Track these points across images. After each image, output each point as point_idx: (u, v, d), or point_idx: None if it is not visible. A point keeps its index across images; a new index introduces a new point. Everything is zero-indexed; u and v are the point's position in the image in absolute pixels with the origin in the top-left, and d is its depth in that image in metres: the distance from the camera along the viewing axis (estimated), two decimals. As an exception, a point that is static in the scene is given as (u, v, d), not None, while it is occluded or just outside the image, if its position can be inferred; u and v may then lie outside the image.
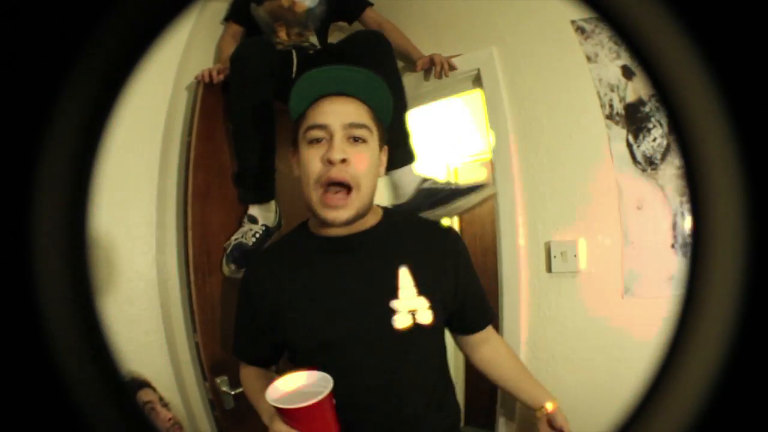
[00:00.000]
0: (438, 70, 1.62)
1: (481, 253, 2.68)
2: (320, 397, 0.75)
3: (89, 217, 0.31)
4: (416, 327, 0.91)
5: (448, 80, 1.70)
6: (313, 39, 1.62)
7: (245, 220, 1.45)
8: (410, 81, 1.73)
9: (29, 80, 0.27)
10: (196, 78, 1.51)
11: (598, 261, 1.40)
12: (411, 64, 1.70)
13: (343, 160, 0.88)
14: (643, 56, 0.30)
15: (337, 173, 0.88)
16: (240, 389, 1.37)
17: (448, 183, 1.39)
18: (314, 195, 0.91)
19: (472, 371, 2.85)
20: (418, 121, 2.97)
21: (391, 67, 1.42)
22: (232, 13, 1.68)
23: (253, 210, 1.45)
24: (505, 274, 1.50)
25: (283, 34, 1.57)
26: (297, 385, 0.84)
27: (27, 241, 0.28)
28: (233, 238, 1.43)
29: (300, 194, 0.96)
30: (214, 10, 1.70)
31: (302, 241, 1.01)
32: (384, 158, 1.01)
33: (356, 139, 0.91)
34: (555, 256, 1.42)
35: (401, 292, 0.92)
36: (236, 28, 1.67)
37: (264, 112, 1.37)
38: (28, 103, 0.27)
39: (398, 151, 1.33)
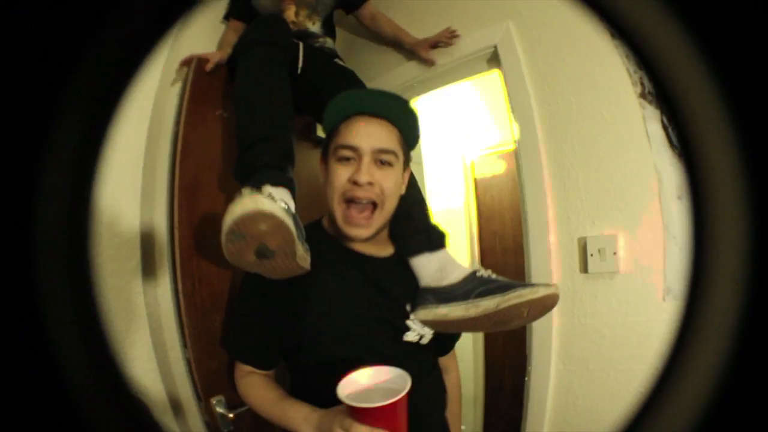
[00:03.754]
0: (447, 38, 1.58)
1: (501, 253, 2.53)
2: (403, 393, 0.74)
3: (91, 218, 0.31)
4: (419, 343, 1.02)
5: (459, 62, 1.60)
6: (318, 26, 1.53)
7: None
8: (410, 68, 1.73)
9: (30, 82, 0.27)
10: (181, 63, 1.41)
11: (638, 258, 1.25)
12: (403, 52, 1.74)
13: (369, 183, 0.93)
14: (643, 55, 0.30)
15: (362, 193, 0.93)
16: (239, 409, 1.23)
17: (503, 277, 1.05)
18: (338, 210, 0.96)
19: (491, 382, 2.77)
20: (428, 109, 2.88)
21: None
22: (232, 9, 1.60)
23: (268, 190, 1.11)
24: (534, 275, 1.34)
25: (291, 13, 1.47)
26: (370, 381, 0.82)
27: (29, 241, 0.28)
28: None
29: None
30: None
31: (326, 245, 1.03)
32: (406, 177, 1.05)
33: (383, 163, 0.96)
34: (591, 254, 1.27)
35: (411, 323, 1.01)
36: (237, 24, 1.57)
37: (280, 79, 1.24)
38: (28, 109, 0.27)
39: (433, 231, 1.10)
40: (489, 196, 2.74)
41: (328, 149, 1.00)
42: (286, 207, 0.92)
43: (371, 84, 1.75)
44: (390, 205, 0.98)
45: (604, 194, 1.29)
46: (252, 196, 0.86)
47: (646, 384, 0.32)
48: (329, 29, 1.58)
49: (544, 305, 0.97)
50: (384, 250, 1.06)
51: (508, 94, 1.46)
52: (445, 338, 1.10)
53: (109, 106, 0.31)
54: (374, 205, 0.96)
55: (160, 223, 1.35)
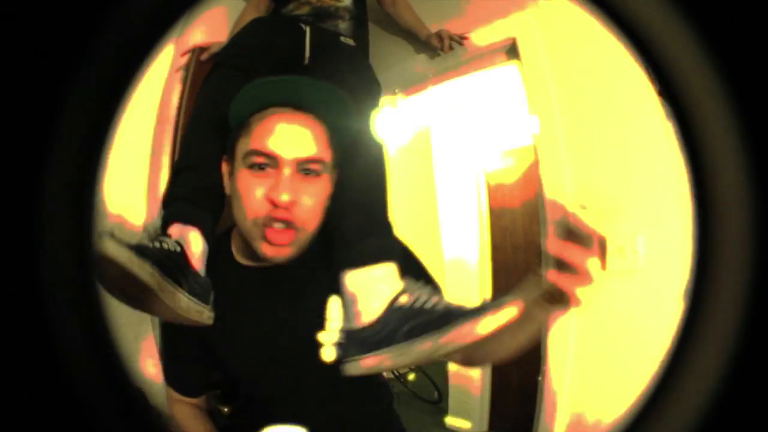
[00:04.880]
0: (446, 45, 1.56)
1: (512, 250, 2.50)
2: None
3: (94, 219, 0.31)
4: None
5: (476, 54, 1.59)
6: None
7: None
8: (420, 59, 1.73)
9: (33, 82, 0.27)
10: (181, 54, 1.40)
11: (657, 257, 1.23)
12: (417, 42, 1.70)
13: (291, 202, 0.76)
14: (652, 58, 0.31)
15: (281, 214, 0.77)
16: (235, 403, 1.20)
17: (437, 298, 0.81)
18: (252, 230, 0.79)
19: (498, 381, 2.75)
20: (436, 105, 2.85)
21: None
22: None
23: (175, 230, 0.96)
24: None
25: None
26: None
27: (34, 237, 0.28)
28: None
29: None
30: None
31: (227, 263, 0.88)
32: (334, 180, 0.86)
33: (308, 173, 0.79)
34: (612, 252, 1.23)
35: (328, 324, 0.85)
36: (260, 1, 1.47)
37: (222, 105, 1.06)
38: (32, 107, 0.27)
39: (364, 244, 0.86)
40: (500, 192, 2.71)
41: (235, 149, 0.82)
42: (158, 253, 0.77)
43: (388, 74, 1.71)
44: (314, 225, 0.81)
45: (624, 191, 1.27)
46: (106, 241, 0.70)
47: (649, 384, 0.33)
48: (358, 7, 1.43)
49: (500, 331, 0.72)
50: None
51: (527, 88, 1.44)
52: None
53: (111, 104, 0.31)
54: (297, 225, 0.78)
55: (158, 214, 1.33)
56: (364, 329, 0.81)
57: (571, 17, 1.36)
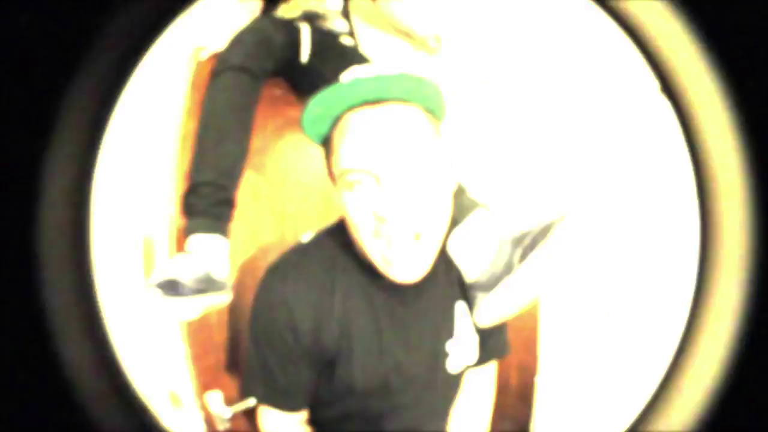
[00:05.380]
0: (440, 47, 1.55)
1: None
2: None
3: (90, 218, 0.31)
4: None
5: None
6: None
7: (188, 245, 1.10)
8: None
9: (34, 79, 0.27)
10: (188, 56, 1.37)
11: (659, 256, 1.24)
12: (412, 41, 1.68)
13: (404, 212, 0.67)
14: (652, 55, 0.31)
15: (397, 229, 0.68)
16: (237, 406, 1.18)
17: (528, 221, 0.90)
18: (373, 251, 0.72)
19: (497, 381, 2.74)
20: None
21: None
22: None
23: (197, 240, 1.08)
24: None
25: None
26: None
27: (32, 239, 0.28)
28: (165, 268, 1.04)
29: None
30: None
31: (349, 266, 0.82)
32: (449, 167, 0.77)
33: (415, 172, 0.68)
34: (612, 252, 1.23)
35: (457, 332, 0.86)
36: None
37: (239, 111, 1.14)
38: (32, 105, 0.27)
39: (456, 202, 0.86)
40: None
41: (330, 167, 0.75)
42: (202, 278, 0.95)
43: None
44: (441, 223, 0.74)
45: (625, 191, 1.27)
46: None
47: (652, 383, 0.32)
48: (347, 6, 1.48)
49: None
50: None
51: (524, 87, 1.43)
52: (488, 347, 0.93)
53: (109, 103, 0.31)
54: (418, 236, 0.71)
55: (161, 215, 1.31)
56: (486, 272, 0.83)
57: (568, 14, 1.35)
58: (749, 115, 0.27)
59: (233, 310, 1.24)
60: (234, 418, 1.20)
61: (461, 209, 0.87)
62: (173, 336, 1.28)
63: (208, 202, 1.05)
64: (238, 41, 1.20)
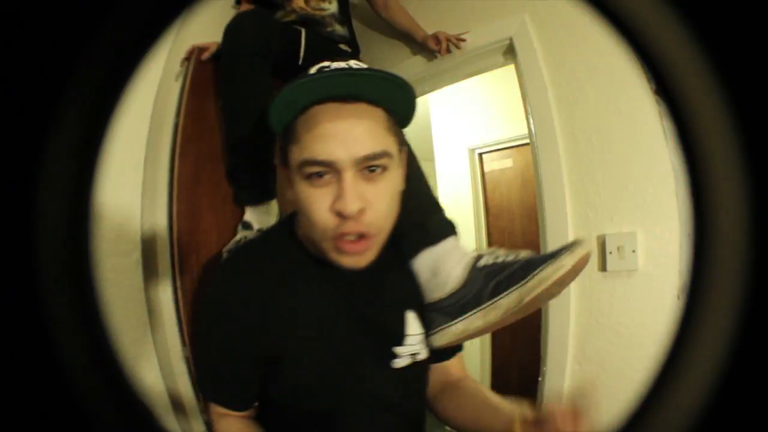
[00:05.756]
0: (444, 47, 1.57)
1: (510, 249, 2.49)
2: None
3: (92, 214, 0.30)
4: (414, 364, 0.84)
5: (473, 55, 1.57)
6: (334, 6, 1.45)
7: (239, 227, 1.27)
8: (419, 61, 1.71)
9: (32, 77, 0.27)
10: (185, 57, 1.38)
11: (656, 257, 1.22)
12: (414, 45, 1.70)
13: (360, 210, 0.67)
14: (647, 56, 0.30)
15: (354, 227, 0.68)
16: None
17: (514, 254, 0.84)
18: (324, 242, 0.72)
19: (497, 381, 2.73)
20: (436, 104, 2.83)
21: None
22: None
23: (249, 214, 1.26)
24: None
25: (299, 1, 1.41)
26: None
27: (30, 239, 0.28)
28: (224, 250, 1.24)
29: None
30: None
31: (298, 259, 0.81)
32: (403, 169, 0.79)
33: (372, 170, 0.69)
34: (611, 252, 1.23)
35: (407, 339, 0.83)
36: (248, 8, 1.52)
37: (259, 96, 1.18)
38: (29, 103, 0.27)
39: (430, 221, 0.88)
40: (498, 192, 2.70)
41: (287, 158, 0.73)
42: None
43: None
44: (389, 225, 0.74)
45: (622, 190, 1.25)
46: None
47: (645, 382, 0.32)
48: (343, 13, 1.51)
49: (576, 272, 0.77)
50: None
51: (524, 88, 1.42)
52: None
53: (109, 101, 0.30)
54: (372, 232, 0.72)
55: (161, 217, 1.31)
56: (451, 296, 0.81)
57: (568, 16, 1.35)
58: (746, 116, 0.27)
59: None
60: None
61: (436, 228, 0.86)
62: (175, 341, 1.28)
63: (250, 176, 1.22)
64: (238, 30, 1.21)
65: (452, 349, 0.92)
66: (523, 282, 0.76)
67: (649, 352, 1.21)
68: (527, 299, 0.75)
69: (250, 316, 0.77)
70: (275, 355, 0.78)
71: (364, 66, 0.71)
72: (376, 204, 0.69)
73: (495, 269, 0.80)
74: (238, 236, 1.26)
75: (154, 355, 1.30)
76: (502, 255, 0.82)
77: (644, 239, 1.22)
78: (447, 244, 0.85)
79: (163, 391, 1.29)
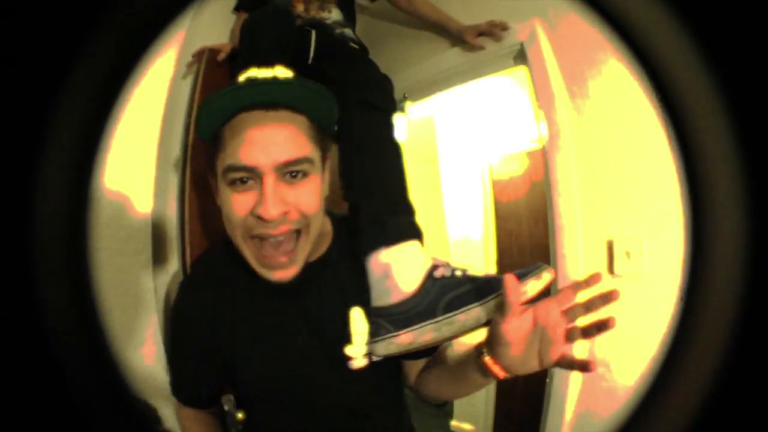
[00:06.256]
0: (497, 29, 1.47)
1: (518, 253, 2.49)
2: None
3: (90, 212, 0.30)
4: (375, 364, 0.81)
5: (483, 57, 1.56)
6: (336, 13, 1.45)
7: None
8: (443, 58, 1.66)
9: (32, 73, 0.27)
10: (193, 55, 1.39)
11: (663, 260, 1.22)
12: (450, 37, 1.62)
13: (282, 213, 0.70)
14: (644, 58, 0.30)
15: (274, 230, 0.70)
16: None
17: (473, 271, 0.80)
18: (247, 250, 0.73)
19: (502, 384, 2.72)
20: (445, 107, 2.83)
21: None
22: (242, 1, 1.53)
23: None
24: (560, 278, 1.31)
25: (300, 6, 1.40)
26: None
27: (28, 236, 0.28)
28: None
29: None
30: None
31: (237, 272, 0.82)
32: (327, 174, 0.80)
33: (294, 176, 0.71)
34: (619, 256, 1.23)
35: (356, 339, 0.80)
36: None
37: None
38: (30, 97, 0.27)
39: (392, 221, 0.84)
40: (505, 195, 2.70)
41: (215, 165, 0.75)
42: None
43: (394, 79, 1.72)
44: (316, 224, 0.75)
45: (630, 195, 1.26)
46: None
47: (644, 383, 0.32)
48: (349, 16, 1.50)
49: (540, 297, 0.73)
50: (319, 248, 0.83)
51: (535, 92, 1.42)
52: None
53: (108, 100, 0.30)
54: (296, 233, 0.73)
55: (172, 217, 1.33)
56: (401, 304, 0.77)
57: (576, 25, 1.35)
58: (744, 118, 0.28)
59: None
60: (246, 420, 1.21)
61: (397, 229, 0.83)
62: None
63: None
64: (257, 25, 1.20)
65: (424, 352, 0.84)
66: (480, 302, 0.73)
67: (653, 353, 1.21)
68: (482, 322, 0.73)
69: (200, 324, 0.83)
70: (227, 363, 0.83)
71: (290, 75, 0.72)
72: (299, 204, 0.71)
73: (451, 283, 0.77)
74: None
75: (164, 355, 1.30)
76: (460, 269, 0.79)
77: (651, 243, 1.22)
78: (406, 247, 0.82)
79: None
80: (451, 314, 0.74)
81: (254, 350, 0.82)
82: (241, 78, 0.72)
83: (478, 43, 1.54)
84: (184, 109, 1.40)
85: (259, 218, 0.69)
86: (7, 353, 0.28)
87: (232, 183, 0.70)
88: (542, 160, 1.41)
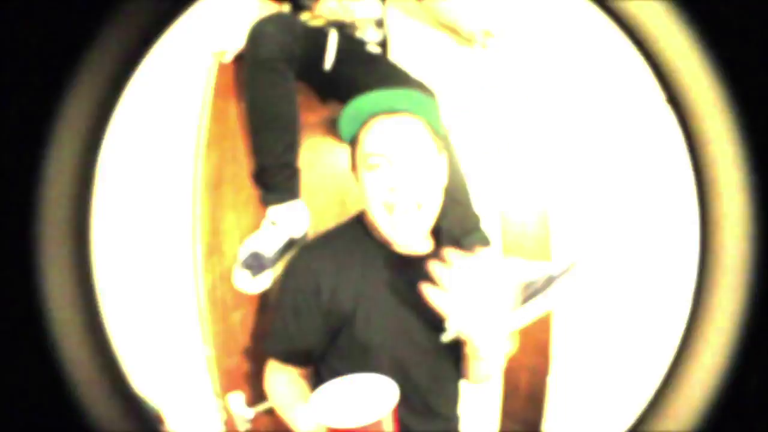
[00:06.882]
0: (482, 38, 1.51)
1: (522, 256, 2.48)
2: (389, 410, 0.64)
3: (92, 215, 0.31)
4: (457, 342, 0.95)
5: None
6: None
7: (264, 223, 1.27)
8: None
9: (35, 76, 0.27)
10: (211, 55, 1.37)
11: (665, 259, 1.24)
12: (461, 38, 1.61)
13: (407, 186, 0.91)
14: (653, 59, 0.31)
15: (402, 197, 0.92)
16: (258, 407, 1.22)
17: (534, 267, 1.01)
18: (382, 218, 0.95)
19: (507, 376, 2.72)
20: (456, 107, 2.81)
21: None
22: None
23: (275, 212, 1.26)
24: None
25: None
26: (348, 393, 0.71)
27: (31, 240, 0.28)
28: (248, 243, 1.24)
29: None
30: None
31: (366, 245, 1.02)
32: (443, 166, 1.01)
33: (417, 162, 0.93)
34: (623, 254, 1.25)
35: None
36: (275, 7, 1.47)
37: (283, 102, 1.22)
38: (33, 100, 0.27)
39: (467, 239, 1.12)
40: (510, 198, 2.69)
41: (355, 159, 1.00)
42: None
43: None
44: (434, 202, 0.96)
45: (630, 194, 1.28)
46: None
47: (653, 383, 0.33)
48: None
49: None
50: (425, 245, 1.04)
51: (536, 93, 1.43)
52: None
53: (111, 99, 0.31)
54: (418, 206, 0.93)
55: (183, 217, 1.33)
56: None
57: (586, 23, 1.36)
58: (750, 119, 0.28)
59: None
60: (255, 418, 1.22)
61: (472, 247, 1.01)
62: (196, 339, 1.29)
63: (276, 179, 1.25)
64: (262, 34, 1.20)
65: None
66: (546, 293, 0.93)
67: (659, 353, 1.21)
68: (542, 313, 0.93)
69: (321, 285, 0.97)
70: (344, 318, 0.96)
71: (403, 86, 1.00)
72: (419, 182, 0.92)
73: (522, 287, 0.95)
74: (263, 232, 1.28)
75: (172, 355, 1.31)
76: (526, 267, 0.98)
77: (659, 241, 1.24)
78: (479, 257, 0.94)
79: (180, 393, 1.30)
80: (521, 309, 0.94)
81: (374, 307, 0.96)
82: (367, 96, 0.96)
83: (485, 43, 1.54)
84: (197, 109, 1.37)
85: (391, 189, 0.92)
86: (7, 353, 0.28)
87: (370, 167, 0.94)
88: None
